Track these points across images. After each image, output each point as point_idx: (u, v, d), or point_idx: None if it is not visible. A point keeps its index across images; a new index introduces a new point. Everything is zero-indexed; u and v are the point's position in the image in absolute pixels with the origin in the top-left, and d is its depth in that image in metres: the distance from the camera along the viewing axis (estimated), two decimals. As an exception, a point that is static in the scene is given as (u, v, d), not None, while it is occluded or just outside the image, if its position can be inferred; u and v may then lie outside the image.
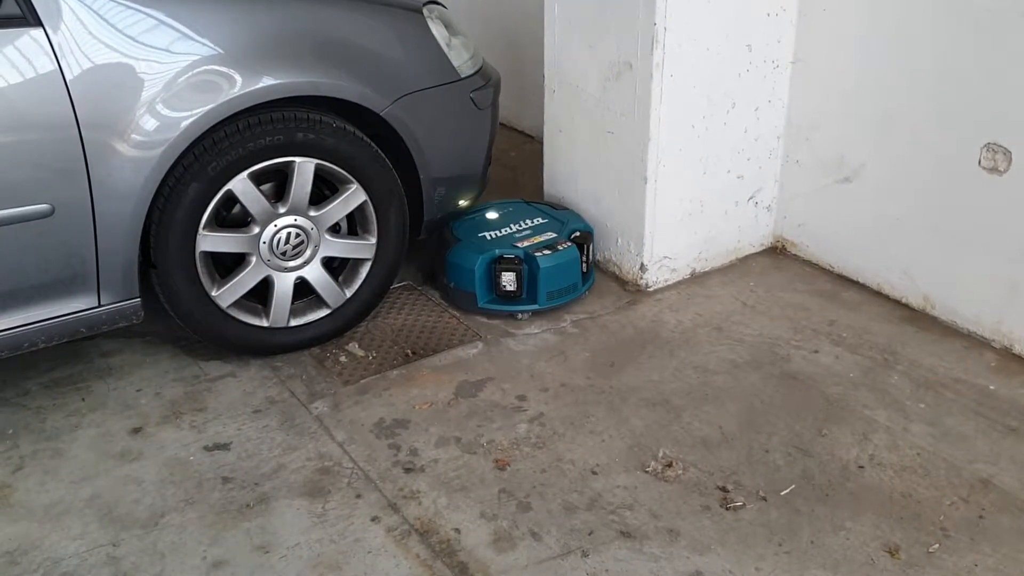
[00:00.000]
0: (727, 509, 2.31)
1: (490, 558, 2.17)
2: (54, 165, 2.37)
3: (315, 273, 2.86)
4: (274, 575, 2.13)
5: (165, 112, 2.46)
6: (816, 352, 2.94)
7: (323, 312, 2.93)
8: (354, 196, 2.84)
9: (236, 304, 2.78)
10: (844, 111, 3.22)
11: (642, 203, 3.19)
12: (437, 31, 2.99)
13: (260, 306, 2.84)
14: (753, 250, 3.57)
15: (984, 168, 2.84)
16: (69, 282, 2.50)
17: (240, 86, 2.54)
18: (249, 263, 2.75)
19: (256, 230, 2.73)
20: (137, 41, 2.42)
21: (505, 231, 3.22)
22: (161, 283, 2.66)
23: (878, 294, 3.27)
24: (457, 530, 2.25)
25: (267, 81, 2.59)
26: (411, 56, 2.94)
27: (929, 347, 2.96)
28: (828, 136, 3.31)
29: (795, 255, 3.54)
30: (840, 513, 2.29)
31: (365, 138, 2.82)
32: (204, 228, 2.63)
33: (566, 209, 3.41)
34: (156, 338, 3.00)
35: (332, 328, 2.96)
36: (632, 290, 3.32)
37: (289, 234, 2.77)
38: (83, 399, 2.74)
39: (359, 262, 2.96)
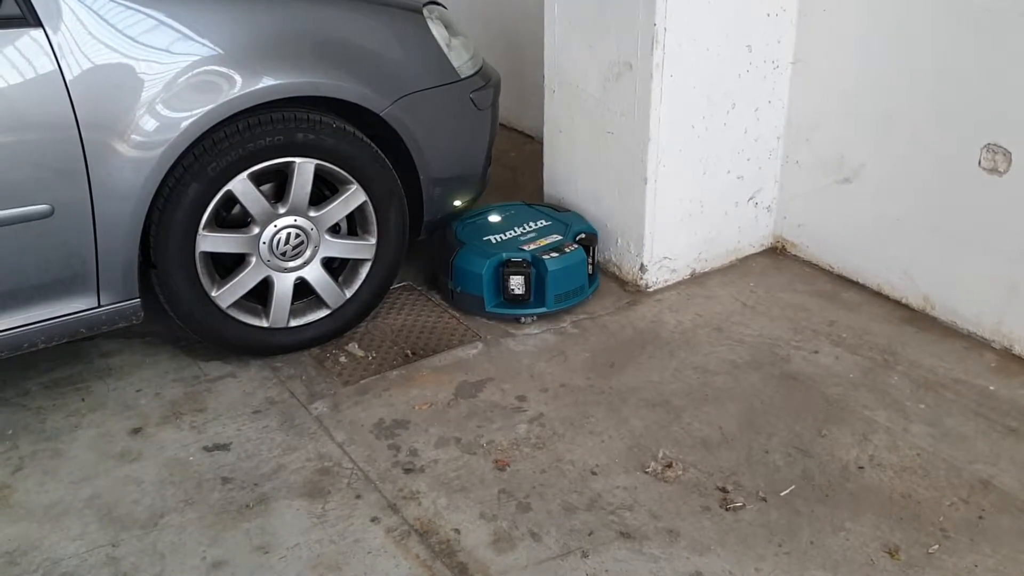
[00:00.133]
0: (727, 510, 2.30)
1: (490, 558, 2.17)
2: (54, 165, 2.37)
3: (315, 273, 2.86)
4: (274, 575, 2.13)
5: (165, 112, 2.46)
6: (816, 352, 2.94)
7: (323, 312, 2.92)
8: (354, 196, 2.84)
9: (236, 304, 2.78)
10: (844, 111, 3.22)
11: (642, 203, 3.19)
12: (437, 31, 2.99)
13: (260, 306, 2.84)
14: (753, 250, 3.57)
15: (984, 168, 2.84)
16: (69, 282, 2.50)
17: (240, 86, 2.54)
18: (249, 263, 2.75)
19: (256, 230, 2.73)
20: (137, 41, 2.42)
21: (509, 234, 3.21)
22: (161, 283, 2.66)
23: (878, 294, 3.26)
24: (457, 530, 2.25)
25: (267, 81, 2.59)
26: (411, 56, 2.94)
27: (929, 347, 2.96)
28: (828, 136, 3.30)
29: (795, 255, 3.54)
30: (840, 514, 2.29)
31: (365, 138, 2.82)
32: (204, 228, 2.63)
33: (568, 211, 3.41)
34: (156, 338, 3.00)
35: (332, 328, 2.96)
36: (632, 290, 3.32)
37: (289, 234, 2.77)
38: (83, 399, 2.74)
39: (359, 262, 2.96)
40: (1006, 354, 2.91)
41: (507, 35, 4.64)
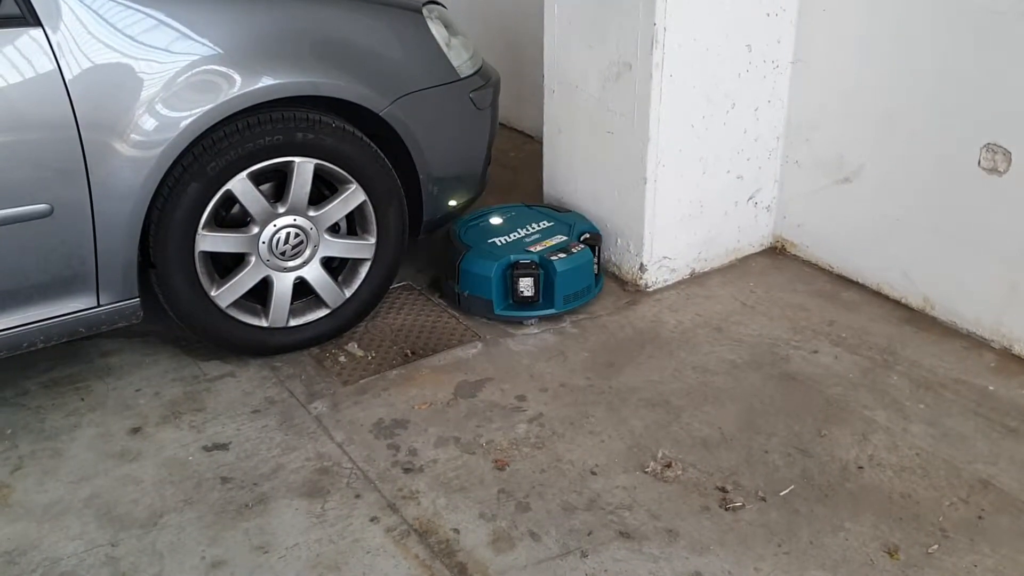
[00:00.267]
0: (726, 509, 2.30)
1: (489, 558, 2.17)
2: (53, 165, 2.37)
3: (314, 273, 2.86)
4: (273, 575, 2.13)
5: (164, 112, 2.46)
6: (816, 352, 2.94)
7: (322, 312, 2.92)
8: (353, 196, 2.84)
9: (235, 304, 2.78)
10: (844, 111, 3.22)
11: (642, 203, 3.19)
12: (437, 31, 2.99)
13: (259, 306, 2.84)
14: (753, 250, 3.57)
15: (984, 168, 2.84)
16: (68, 282, 2.50)
17: (240, 86, 2.54)
18: (248, 263, 2.75)
19: (255, 230, 2.73)
20: (136, 41, 2.42)
21: (514, 236, 3.20)
22: (160, 283, 2.66)
23: (878, 294, 3.26)
24: (456, 530, 2.25)
25: (267, 81, 2.59)
26: (411, 56, 2.94)
27: (929, 347, 2.96)
28: (828, 136, 3.30)
29: (795, 255, 3.54)
30: (839, 513, 2.29)
31: (365, 138, 2.82)
32: (203, 228, 2.63)
33: (568, 211, 3.41)
34: (155, 338, 3.00)
35: (331, 328, 2.96)
36: (632, 290, 3.32)
37: (288, 234, 2.76)
38: (82, 399, 2.74)
39: (358, 262, 2.96)
40: (1006, 354, 2.91)
41: (507, 35, 4.64)
